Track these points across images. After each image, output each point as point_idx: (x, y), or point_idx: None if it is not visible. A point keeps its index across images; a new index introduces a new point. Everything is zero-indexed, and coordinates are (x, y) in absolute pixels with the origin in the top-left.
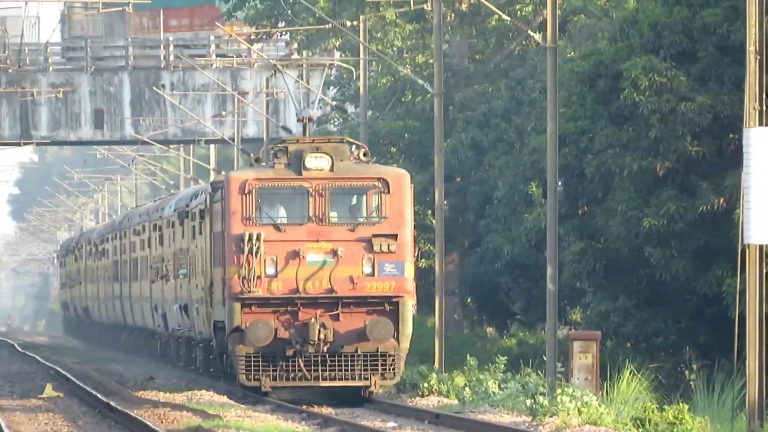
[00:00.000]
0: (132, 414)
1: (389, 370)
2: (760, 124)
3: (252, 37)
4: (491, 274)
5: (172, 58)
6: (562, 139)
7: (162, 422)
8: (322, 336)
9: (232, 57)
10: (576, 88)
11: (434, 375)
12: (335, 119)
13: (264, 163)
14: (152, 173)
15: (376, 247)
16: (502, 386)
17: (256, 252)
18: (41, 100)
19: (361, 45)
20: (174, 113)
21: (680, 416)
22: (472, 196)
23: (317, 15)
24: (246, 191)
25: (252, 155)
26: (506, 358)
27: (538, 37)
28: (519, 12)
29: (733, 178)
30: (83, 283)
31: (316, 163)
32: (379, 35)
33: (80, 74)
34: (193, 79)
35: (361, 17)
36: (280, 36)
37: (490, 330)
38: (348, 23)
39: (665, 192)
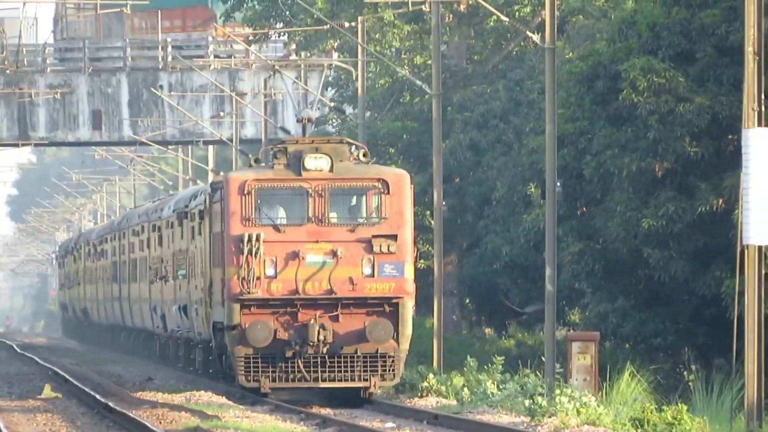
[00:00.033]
0: (130, 414)
1: (389, 371)
2: (759, 124)
3: (250, 38)
4: (490, 275)
5: (170, 59)
6: (561, 139)
7: (160, 423)
8: (321, 337)
9: (225, 58)
10: (574, 89)
11: (433, 376)
12: (333, 120)
13: (263, 164)
14: (150, 174)
15: (375, 248)
16: (501, 387)
17: (256, 253)
18: (39, 101)
19: (359, 46)
20: (172, 114)
21: (679, 417)
22: (470, 196)
23: (315, 16)
24: (245, 192)
25: (250, 156)
26: (503, 358)
27: (536, 38)
28: (517, 13)
29: (732, 179)
30: (82, 284)
31: (316, 163)
32: (377, 36)
33: (78, 75)
34: (191, 80)
35: (360, 18)
36: (279, 37)
37: (488, 331)
38: (346, 24)
39: (664, 193)
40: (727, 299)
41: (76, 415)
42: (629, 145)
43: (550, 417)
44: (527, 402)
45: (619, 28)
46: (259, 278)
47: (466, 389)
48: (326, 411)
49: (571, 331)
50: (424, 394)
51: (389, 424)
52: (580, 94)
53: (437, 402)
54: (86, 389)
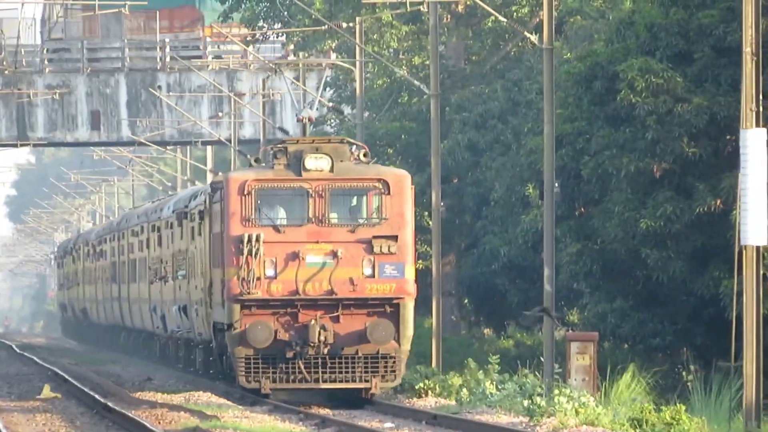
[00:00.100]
0: (129, 414)
1: (390, 372)
2: (757, 125)
3: (248, 38)
4: (488, 276)
5: (168, 59)
6: (559, 140)
7: (159, 423)
8: (322, 338)
9: (222, 59)
10: (572, 90)
11: (432, 376)
12: (332, 120)
13: (263, 164)
14: (149, 174)
15: (376, 249)
16: (500, 387)
17: (256, 253)
18: (38, 102)
19: (357, 46)
20: (170, 114)
21: (677, 417)
22: (468, 197)
23: (313, 16)
24: (245, 192)
25: (249, 156)
26: (498, 357)
27: (534, 38)
28: (515, 13)
29: (730, 180)
30: (81, 285)
31: (316, 163)
32: (375, 37)
33: (76, 76)
34: (189, 81)
35: (358, 18)
36: (277, 37)
37: (487, 331)
38: (344, 25)
39: (662, 193)
40: (726, 299)
41: (75, 415)
42: (627, 146)
43: (548, 417)
44: (526, 402)
45: (617, 29)
46: (259, 279)
47: (464, 389)
48: (325, 411)
49: (570, 331)
50: (423, 395)
51: (388, 425)
52: (578, 94)
53: (436, 402)
54: (85, 389)
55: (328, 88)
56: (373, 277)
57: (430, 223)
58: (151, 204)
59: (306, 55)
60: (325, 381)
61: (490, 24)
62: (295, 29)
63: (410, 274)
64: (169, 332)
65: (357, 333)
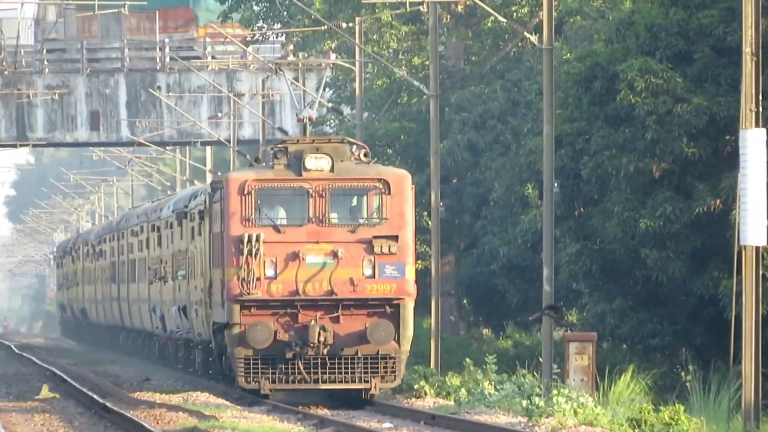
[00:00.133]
0: (128, 415)
1: (390, 372)
2: (756, 125)
3: (247, 38)
4: (487, 276)
5: (167, 60)
6: (559, 140)
7: (158, 423)
8: (322, 338)
9: (220, 59)
10: (572, 90)
11: (431, 376)
12: (331, 121)
13: (264, 164)
14: (148, 175)
15: (376, 249)
16: (498, 387)
17: (256, 253)
18: (37, 102)
19: (356, 47)
20: (170, 115)
21: (676, 417)
22: (468, 197)
23: (313, 17)
24: (245, 192)
25: (248, 156)
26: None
27: (534, 38)
28: (515, 13)
29: (730, 180)
30: (80, 285)
31: (317, 163)
32: (374, 37)
33: (76, 76)
34: (188, 81)
35: (357, 19)
36: (276, 37)
37: (486, 331)
38: (344, 25)
39: (661, 193)
40: (725, 300)
41: (73, 416)
42: (627, 146)
43: (547, 417)
44: (524, 402)
45: (616, 29)
46: (259, 279)
47: (463, 390)
48: (324, 411)
49: (569, 331)
50: (422, 395)
51: (386, 425)
52: (578, 94)
53: (435, 402)
54: (84, 389)
55: (327, 89)
56: (374, 277)
57: (430, 223)
58: (151, 204)
59: (305, 55)
60: (324, 382)
61: (489, 24)
62: (294, 29)
63: (411, 274)
64: (169, 333)
65: (357, 333)
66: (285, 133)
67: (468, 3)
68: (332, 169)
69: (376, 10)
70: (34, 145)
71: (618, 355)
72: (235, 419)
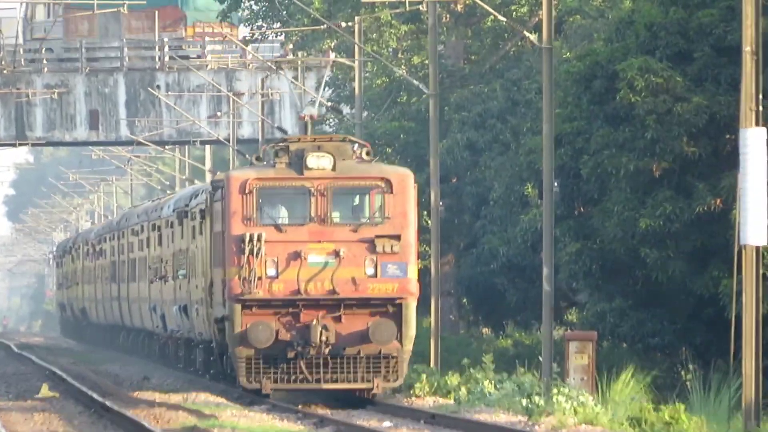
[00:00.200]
0: (127, 414)
1: (392, 372)
2: (757, 124)
3: (246, 38)
4: (487, 275)
5: (167, 59)
6: (558, 139)
7: (158, 422)
8: (323, 338)
9: (219, 59)
10: (572, 89)
11: (431, 375)
12: (331, 120)
13: (265, 163)
14: (148, 174)
15: (378, 248)
16: (498, 386)
17: (257, 253)
18: (36, 101)
19: (356, 46)
20: (169, 114)
21: (676, 416)
22: (467, 197)
23: (312, 16)
24: (246, 191)
25: (248, 156)
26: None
27: (533, 37)
28: (514, 13)
29: (730, 179)
30: (80, 284)
31: (318, 162)
32: (374, 36)
33: (75, 75)
34: (188, 80)
35: (357, 18)
36: (276, 37)
37: (485, 331)
38: (343, 24)
39: (661, 193)
40: (725, 299)
41: (73, 415)
42: (627, 145)
43: (547, 416)
44: (524, 401)
45: (616, 28)
46: (260, 278)
47: (463, 389)
48: (323, 410)
49: (569, 331)
50: (422, 394)
51: (386, 424)
52: (578, 93)
53: (434, 401)
54: (84, 389)
55: (327, 88)
56: (376, 276)
57: (429, 222)
58: (151, 203)
59: (305, 54)
60: (326, 381)
61: (489, 23)
62: (294, 29)
63: (413, 273)
64: (169, 332)
65: (359, 333)
66: (284, 132)
67: (467, 2)
68: (334, 168)
69: (376, 10)
70: (33, 145)
71: (618, 354)
72: (234, 418)
